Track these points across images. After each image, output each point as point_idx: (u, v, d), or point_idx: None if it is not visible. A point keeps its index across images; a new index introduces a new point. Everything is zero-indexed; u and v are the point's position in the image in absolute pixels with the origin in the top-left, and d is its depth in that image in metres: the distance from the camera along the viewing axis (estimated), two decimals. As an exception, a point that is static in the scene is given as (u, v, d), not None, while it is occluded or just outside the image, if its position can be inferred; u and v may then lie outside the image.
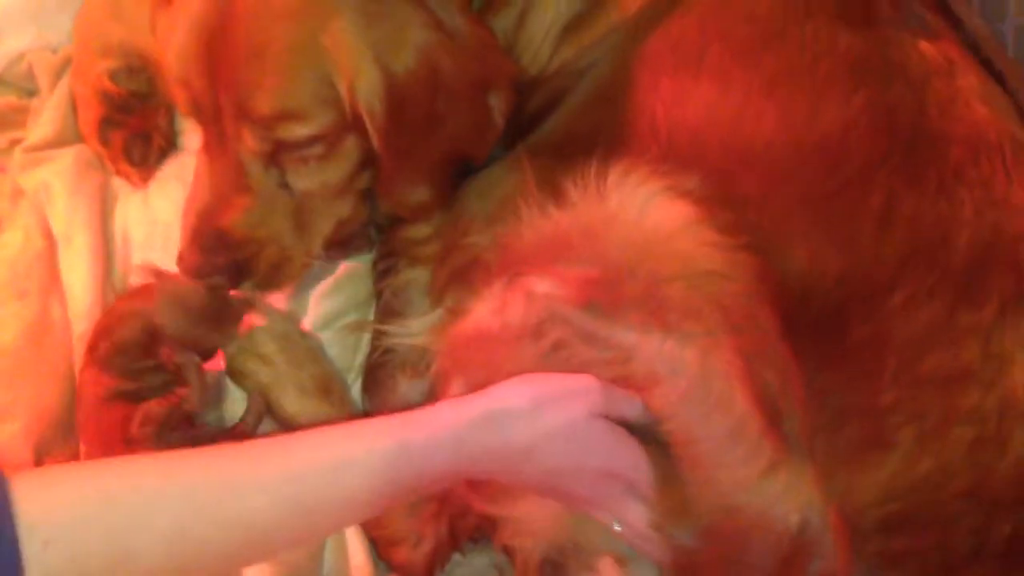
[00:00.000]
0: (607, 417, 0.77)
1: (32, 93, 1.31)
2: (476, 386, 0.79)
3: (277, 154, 0.92)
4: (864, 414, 0.82)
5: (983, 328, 0.85)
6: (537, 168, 0.98)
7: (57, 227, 1.20)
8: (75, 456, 1.08)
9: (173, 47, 0.89)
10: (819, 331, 0.83)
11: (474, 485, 0.85)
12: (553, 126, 1.05)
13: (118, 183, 1.25)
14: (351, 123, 0.89)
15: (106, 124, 1.23)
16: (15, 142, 1.27)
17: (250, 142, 0.90)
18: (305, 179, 0.95)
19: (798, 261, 0.86)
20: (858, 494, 0.80)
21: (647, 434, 0.78)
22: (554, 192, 0.88)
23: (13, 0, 1.30)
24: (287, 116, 0.88)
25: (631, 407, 0.78)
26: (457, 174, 1.05)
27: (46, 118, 1.27)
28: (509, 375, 0.78)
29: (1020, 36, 1.15)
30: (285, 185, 0.95)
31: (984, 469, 0.82)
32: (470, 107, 0.96)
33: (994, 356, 0.84)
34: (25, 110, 1.30)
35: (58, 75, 1.29)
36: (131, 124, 1.23)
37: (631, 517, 0.78)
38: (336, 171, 0.95)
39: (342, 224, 1.03)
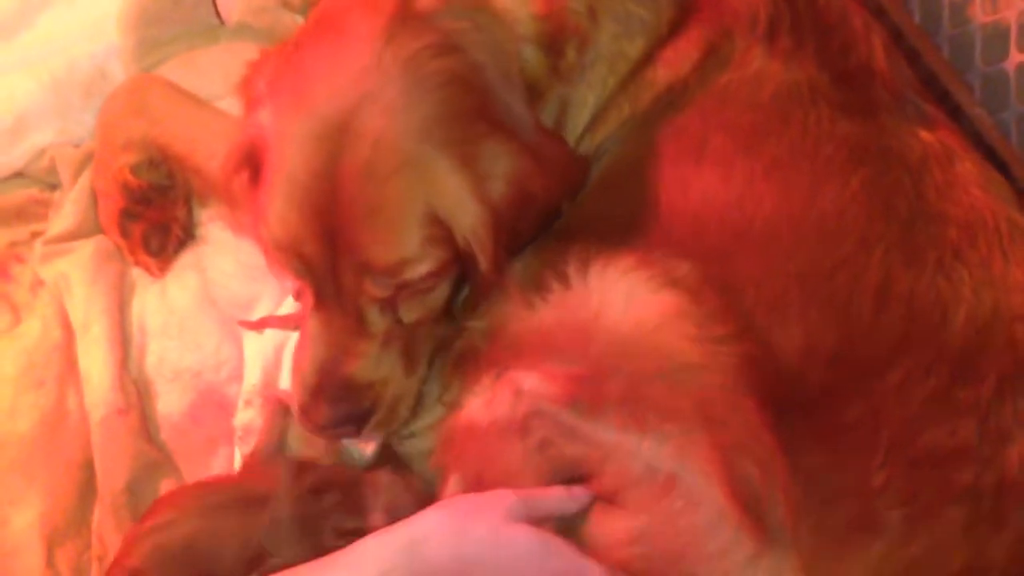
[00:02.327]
0: (531, 520, 0.79)
1: (54, 187, 1.34)
2: (471, 480, 0.81)
3: (395, 296, 0.96)
4: (854, 495, 0.81)
5: (981, 405, 0.85)
6: (537, 259, 1.00)
7: (75, 316, 1.21)
8: (86, 548, 1.07)
9: (276, 215, 0.92)
10: (811, 411, 0.84)
11: None
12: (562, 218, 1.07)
13: (136, 273, 1.27)
14: (462, 253, 0.94)
15: (126, 216, 1.25)
16: (36, 234, 1.30)
17: (372, 291, 0.94)
18: (416, 311, 0.98)
19: (793, 340, 0.86)
20: None
21: None
22: (543, 284, 0.90)
23: (39, 96, 1.33)
24: (406, 262, 0.92)
25: (560, 505, 0.80)
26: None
27: (67, 211, 1.30)
28: (501, 470, 0.81)
29: (1023, 125, 1.17)
30: (399, 322, 0.98)
31: (979, 549, 0.81)
32: (551, 213, 1.01)
33: (992, 432, 0.84)
34: (47, 203, 1.33)
35: (80, 169, 1.32)
36: (150, 216, 1.26)
37: None
38: (442, 295, 0.99)
39: (439, 343, 1.05)
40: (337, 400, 0.98)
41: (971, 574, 0.81)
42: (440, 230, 0.92)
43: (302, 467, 0.99)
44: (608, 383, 0.83)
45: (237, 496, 0.98)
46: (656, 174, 0.99)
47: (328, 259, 0.92)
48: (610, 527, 0.81)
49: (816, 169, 0.95)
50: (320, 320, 0.97)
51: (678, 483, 0.79)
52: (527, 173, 0.94)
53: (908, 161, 0.96)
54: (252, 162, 0.95)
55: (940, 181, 0.95)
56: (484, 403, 0.87)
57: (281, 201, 0.91)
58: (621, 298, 0.86)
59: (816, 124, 0.97)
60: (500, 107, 0.95)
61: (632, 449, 0.80)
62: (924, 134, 0.99)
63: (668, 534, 0.79)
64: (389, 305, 0.96)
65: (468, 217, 0.91)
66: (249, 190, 0.97)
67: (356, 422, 1.00)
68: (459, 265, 0.96)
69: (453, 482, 0.90)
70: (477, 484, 0.87)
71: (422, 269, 0.93)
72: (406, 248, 0.91)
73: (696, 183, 0.96)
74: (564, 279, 0.90)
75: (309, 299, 0.97)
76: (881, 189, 0.94)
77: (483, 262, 0.94)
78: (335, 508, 0.96)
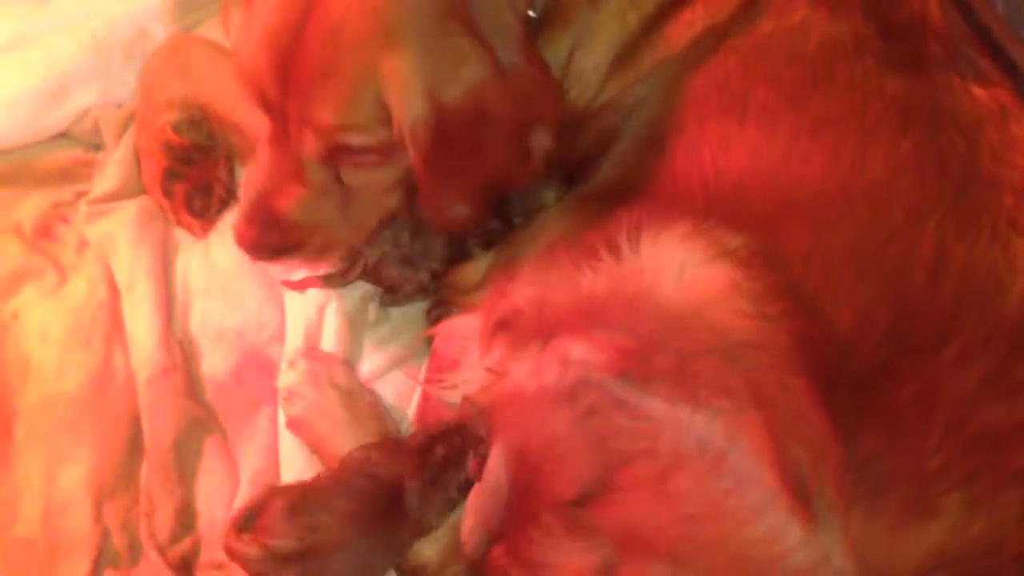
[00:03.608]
0: None
1: (98, 147, 1.35)
2: (515, 448, 0.80)
3: (333, 156, 0.98)
4: (909, 480, 0.79)
5: None
6: (585, 219, 0.98)
7: (120, 277, 1.22)
8: (134, 504, 1.09)
9: (246, 48, 0.96)
10: (864, 391, 0.81)
11: (513, 556, 0.86)
12: (605, 174, 1.05)
13: (179, 234, 1.28)
14: (400, 142, 0.95)
15: (169, 176, 1.26)
16: (81, 195, 1.31)
17: (310, 144, 0.97)
18: (358, 177, 1.02)
19: (845, 318, 0.84)
20: (901, 565, 0.78)
21: None
22: (593, 251, 0.89)
23: (80, 58, 1.33)
24: (346, 128, 0.95)
25: None
26: (501, 198, 1.09)
27: (110, 171, 1.30)
28: (545, 439, 0.80)
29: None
30: (338, 180, 1.02)
31: None
32: (510, 143, 0.99)
33: None
34: (91, 164, 1.34)
35: (123, 130, 1.33)
36: (192, 176, 1.26)
37: None
38: (387, 174, 1.02)
39: (388, 215, 1.09)
40: (265, 228, 1.03)
41: None
42: (385, 113, 0.93)
43: (427, 447, 1.02)
44: (658, 356, 0.81)
45: (376, 493, 1.00)
46: (699, 130, 0.96)
47: (281, 101, 0.96)
48: (657, 509, 0.80)
49: (865, 129, 0.92)
50: (268, 154, 1.02)
51: (727, 462, 0.77)
52: (489, 89, 0.93)
53: (961, 121, 0.93)
54: None
55: (995, 142, 0.92)
56: (531, 370, 0.87)
57: (253, 35, 0.94)
58: (674, 270, 0.85)
59: (863, 80, 0.94)
60: (486, 12, 0.93)
61: (683, 424, 0.79)
62: (978, 91, 0.95)
63: (716, 516, 0.77)
64: (330, 161, 0.99)
65: (411, 110, 0.91)
66: None
67: (281, 253, 1.05)
68: (407, 154, 0.96)
69: (497, 453, 0.89)
70: (522, 452, 0.87)
71: (359, 140, 0.95)
72: (347, 117, 0.94)
73: (740, 141, 0.94)
74: (615, 248, 0.88)
75: (266, 132, 1.01)
76: (933, 152, 0.91)
77: (415, 160, 0.94)
78: (457, 470, 0.99)
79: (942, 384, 0.82)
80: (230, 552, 0.99)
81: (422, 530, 1.01)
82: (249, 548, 0.97)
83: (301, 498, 1.00)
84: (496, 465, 0.91)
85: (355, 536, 0.98)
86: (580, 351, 0.83)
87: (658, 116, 1.01)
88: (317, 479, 1.03)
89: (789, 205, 0.90)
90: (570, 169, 1.07)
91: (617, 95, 1.04)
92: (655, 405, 0.80)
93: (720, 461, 0.78)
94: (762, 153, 0.93)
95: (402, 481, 1.00)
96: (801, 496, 0.77)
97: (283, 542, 0.97)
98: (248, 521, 1.00)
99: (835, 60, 0.95)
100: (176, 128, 1.25)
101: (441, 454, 1.00)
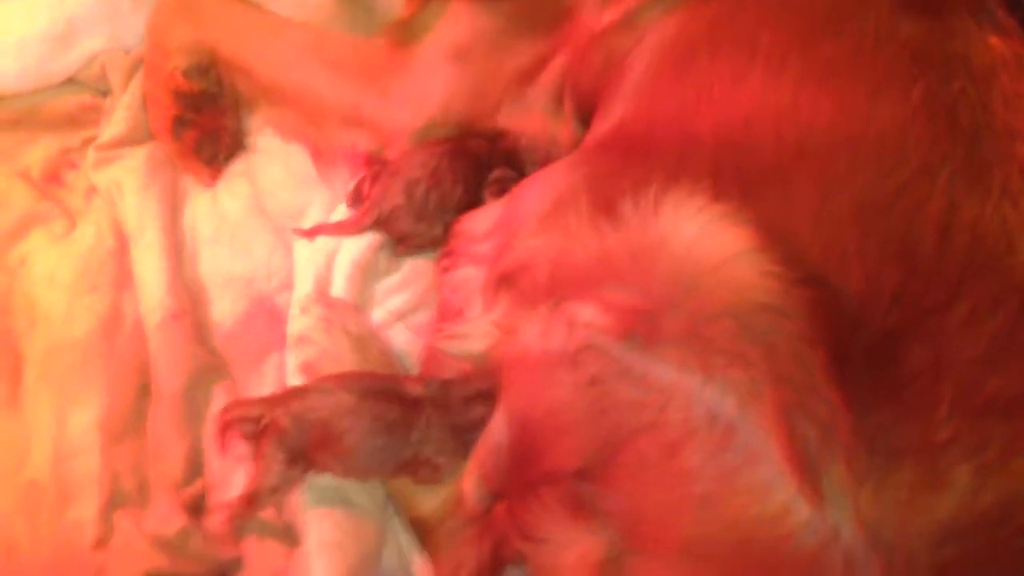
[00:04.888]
0: None
1: (105, 93, 1.34)
2: (517, 415, 0.79)
3: None
4: (918, 453, 0.77)
5: None
6: (597, 172, 0.97)
7: (128, 223, 1.22)
8: (143, 449, 1.09)
9: None
10: (873, 360, 0.79)
11: (513, 520, 0.85)
12: (618, 115, 1.03)
13: (187, 181, 1.27)
14: None
15: (177, 123, 1.25)
16: (88, 141, 1.30)
17: None
18: None
19: (852, 281, 0.81)
20: (910, 540, 0.76)
21: None
22: (608, 206, 0.87)
23: (88, 2, 1.32)
24: None
25: None
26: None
27: (118, 117, 1.30)
28: (547, 406, 0.78)
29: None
30: None
31: None
32: None
33: None
34: (98, 109, 1.33)
35: (130, 75, 1.32)
36: (201, 123, 1.25)
37: None
38: None
39: None
40: None
41: None
42: None
43: (449, 383, 1.01)
44: (669, 317, 0.78)
45: (389, 390, 0.99)
46: (710, 63, 0.94)
47: None
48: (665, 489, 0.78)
49: (875, 75, 0.90)
50: None
51: (736, 436, 0.75)
52: None
53: (974, 69, 0.91)
54: None
55: (1009, 92, 0.90)
56: (539, 333, 0.84)
57: None
58: (692, 229, 0.82)
59: (875, 23, 0.92)
60: None
61: (693, 394, 0.76)
62: (995, 41, 0.93)
63: (725, 495, 0.75)
64: None
65: None
66: None
67: None
68: None
69: (500, 414, 0.88)
70: (524, 418, 0.86)
71: None
72: None
73: (749, 80, 0.92)
74: (629, 206, 0.85)
75: None
76: (944, 100, 0.88)
77: None
78: (479, 413, 0.98)
79: (951, 348, 0.80)
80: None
81: (429, 470, 1.00)
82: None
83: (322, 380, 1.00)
84: (498, 426, 0.90)
85: (367, 424, 0.97)
86: (588, 314, 0.81)
87: (672, 42, 0.99)
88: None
89: (797, 156, 0.88)
90: (581, 102, 1.06)
91: (633, 6, 1.02)
92: (663, 372, 0.77)
93: (730, 434, 0.75)
94: (770, 95, 0.91)
95: (420, 405, 0.99)
96: (810, 473, 0.75)
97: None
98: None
99: (846, 5, 0.93)
100: (185, 74, 1.24)
101: (460, 396, 0.99)
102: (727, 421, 0.76)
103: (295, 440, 0.96)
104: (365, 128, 1.19)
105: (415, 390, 1.00)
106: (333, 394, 0.97)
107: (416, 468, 1.00)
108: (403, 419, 0.98)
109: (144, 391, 1.12)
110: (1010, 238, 0.84)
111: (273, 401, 0.98)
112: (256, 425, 0.97)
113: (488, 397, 0.94)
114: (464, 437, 0.98)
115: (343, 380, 1.00)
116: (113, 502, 1.05)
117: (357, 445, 0.97)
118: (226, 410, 1.00)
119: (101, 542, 1.02)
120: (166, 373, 1.11)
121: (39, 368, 1.13)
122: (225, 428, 0.99)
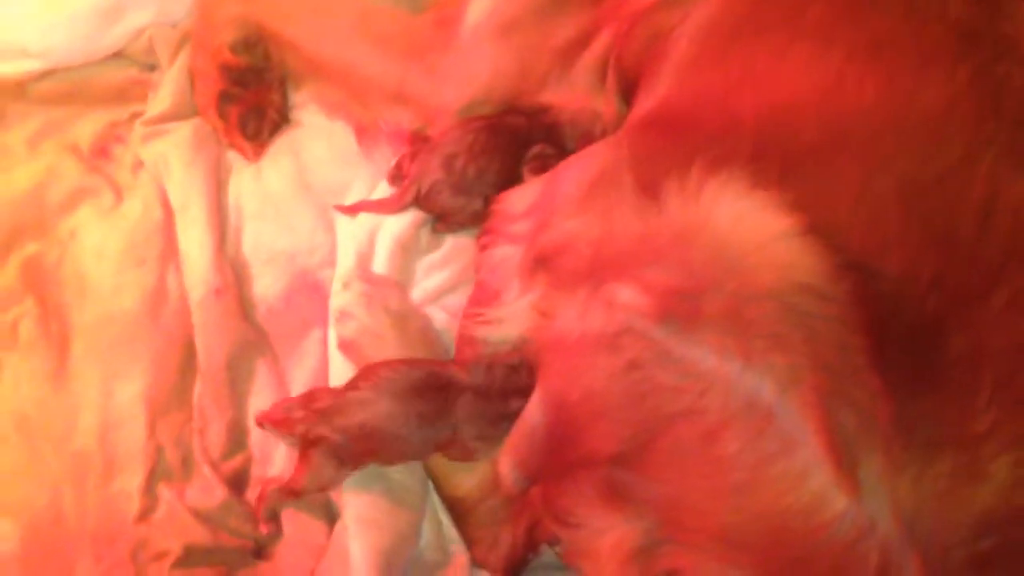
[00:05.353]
0: None
1: (152, 67, 1.35)
2: (554, 399, 0.78)
3: None
4: (957, 444, 0.76)
5: None
6: (639, 152, 0.96)
7: (174, 197, 1.23)
8: (187, 421, 1.11)
9: None
10: (912, 347, 0.78)
11: (548, 504, 0.85)
12: (659, 97, 1.02)
13: (232, 156, 1.28)
14: None
15: (223, 98, 1.26)
16: (136, 115, 1.31)
17: None
18: None
19: (893, 265, 0.80)
20: (947, 533, 0.75)
21: None
22: (650, 187, 0.86)
23: (136, -24, 1.33)
24: None
25: None
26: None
27: (165, 92, 1.30)
28: (584, 391, 0.77)
29: None
30: None
31: None
32: None
33: None
34: (145, 84, 1.34)
35: (177, 50, 1.32)
36: (247, 99, 1.26)
37: None
38: None
39: None
40: None
41: None
42: None
43: (492, 372, 1.02)
44: (709, 298, 0.77)
45: (429, 382, 1.00)
46: (756, 37, 0.93)
47: None
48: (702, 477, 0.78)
49: (922, 54, 0.88)
50: None
51: (774, 423, 0.74)
52: None
53: (1022, 52, 0.88)
54: None
55: None
56: (577, 315, 0.84)
57: None
58: (736, 211, 0.81)
59: (924, 1, 0.90)
60: None
61: (732, 379, 0.75)
62: None
63: (761, 483, 0.74)
64: None
65: None
66: None
67: None
68: None
69: (536, 397, 0.88)
70: (560, 401, 0.85)
71: None
72: None
73: (794, 54, 0.90)
74: (672, 188, 0.84)
75: None
76: (990, 83, 0.86)
77: None
78: (517, 406, 0.97)
79: (991, 336, 0.78)
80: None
81: (463, 450, 1.01)
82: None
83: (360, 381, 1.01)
84: (535, 409, 0.90)
85: (413, 425, 0.98)
86: (627, 295, 0.80)
87: (717, 18, 0.97)
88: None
89: (840, 137, 0.86)
90: (625, 79, 1.04)
91: None
92: (702, 356, 0.76)
93: (768, 421, 0.74)
94: (816, 71, 0.89)
95: (462, 391, 0.99)
96: (847, 462, 0.74)
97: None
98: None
99: None
100: (232, 49, 1.24)
101: (500, 388, 0.99)
102: (765, 407, 0.75)
103: (344, 451, 0.97)
104: (410, 105, 1.19)
105: (459, 376, 1.00)
106: (374, 404, 0.98)
107: (450, 446, 1.01)
108: (444, 408, 0.99)
109: (189, 365, 1.14)
110: None
111: (316, 415, 0.99)
112: (299, 438, 0.98)
113: (527, 392, 0.94)
114: (501, 426, 0.98)
115: (381, 382, 1.00)
116: (157, 474, 1.07)
117: (403, 446, 0.99)
118: (267, 416, 1.01)
119: (144, 514, 1.05)
120: (209, 348, 1.12)
121: (87, 340, 1.15)
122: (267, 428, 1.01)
